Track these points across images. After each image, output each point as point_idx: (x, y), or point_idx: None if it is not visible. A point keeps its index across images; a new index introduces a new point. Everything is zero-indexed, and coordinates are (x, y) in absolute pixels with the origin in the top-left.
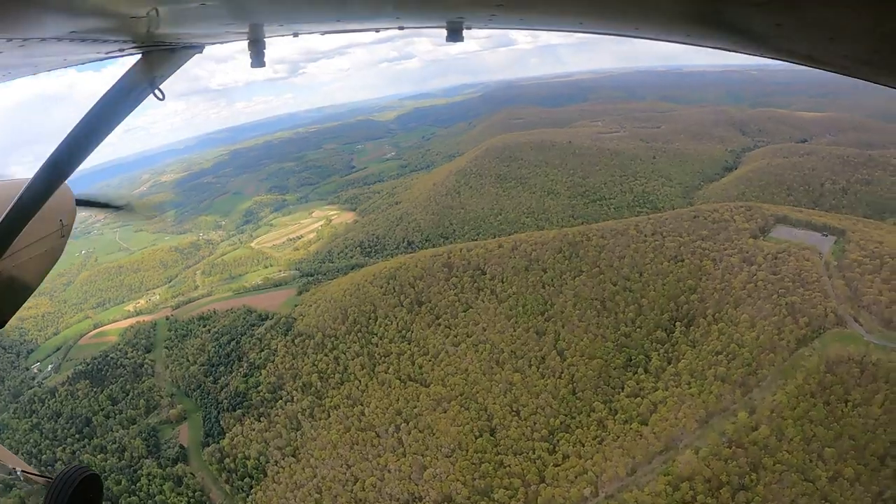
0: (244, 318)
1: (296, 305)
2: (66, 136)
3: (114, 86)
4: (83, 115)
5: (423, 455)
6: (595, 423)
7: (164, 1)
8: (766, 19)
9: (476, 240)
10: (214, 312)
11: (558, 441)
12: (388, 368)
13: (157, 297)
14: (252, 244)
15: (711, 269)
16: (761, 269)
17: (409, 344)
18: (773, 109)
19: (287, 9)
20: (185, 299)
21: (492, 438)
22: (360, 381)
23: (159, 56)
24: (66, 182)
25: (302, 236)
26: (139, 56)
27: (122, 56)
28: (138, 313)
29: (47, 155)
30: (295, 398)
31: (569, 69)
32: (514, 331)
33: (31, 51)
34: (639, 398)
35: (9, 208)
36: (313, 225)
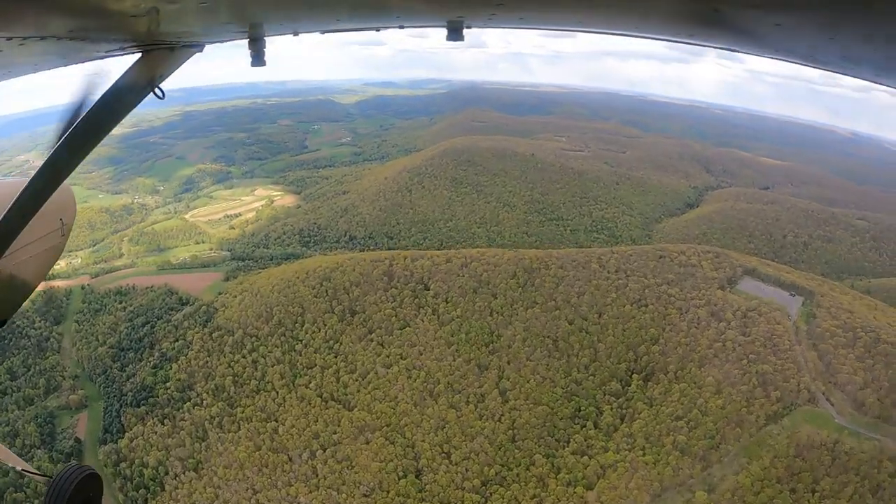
0: (163, 300)
1: (220, 293)
2: (66, 135)
3: (114, 85)
4: (83, 115)
5: (338, 490)
6: (534, 480)
7: (164, 1)
8: (765, 19)
9: (422, 246)
10: (133, 288)
11: (491, 495)
12: (310, 382)
13: (79, 260)
14: (187, 216)
15: (676, 320)
16: (730, 328)
17: (336, 357)
18: (736, 151)
19: (287, 8)
20: (106, 267)
21: (417, 482)
22: (277, 393)
23: (159, 55)
24: (66, 182)
25: (240, 214)
26: (139, 55)
27: (122, 55)
28: (53, 277)
29: (47, 155)
30: (205, 402)
31: (536, 80)
32: (454, 360)
33: (31, 50)
34: (586, 457)
35: (9, 208)
36: (254, 203)
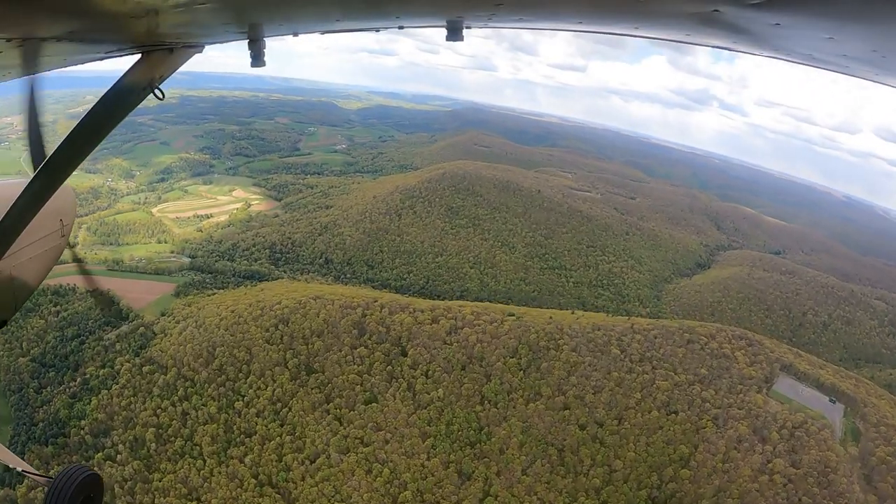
0: (102, 310)
1: (163, 314)
2: (65, 135)
3: (114, 86)
4: (83, 115)
5: None
6: None
7: (163, 1)
8: (765, 19)
9: (405, 281)
10: (73, 290)
11: None
12: (246, 456)
13: None
14: (155, 209)
15: (712, 435)
16: (777, 454)
17: (282, 427)
18: (742, 207)
19: (287, 9)
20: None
21: None
22: (204, 462)
23: (159, 56)
24: (66, 182)
25: (212, 215)
26: (139, 56)
27: (122, 56)
28: None
29: (47, 156)
30: (119, 456)
31: (541, 109)
32: (429, 459)
33: (31, 51)
34: None
35: (9, 208)
36: (229, 205)
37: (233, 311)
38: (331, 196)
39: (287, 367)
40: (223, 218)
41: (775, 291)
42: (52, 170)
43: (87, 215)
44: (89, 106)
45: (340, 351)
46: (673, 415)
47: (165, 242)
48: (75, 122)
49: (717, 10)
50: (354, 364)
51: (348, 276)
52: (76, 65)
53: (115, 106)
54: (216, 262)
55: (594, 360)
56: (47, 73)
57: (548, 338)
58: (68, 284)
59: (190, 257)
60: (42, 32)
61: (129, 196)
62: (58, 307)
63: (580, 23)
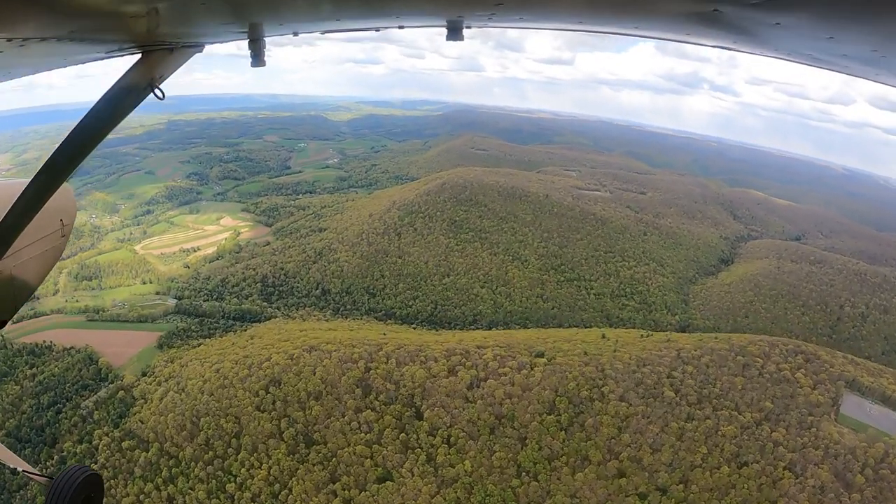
0: (80, 371)
1: (143, 373)
2: (65, 135)
3: (114, 85)
4: (83, 115)
5: None
6: None
7: (163, 1)
8: (765, 19)
9: (411, 309)
10: (51, 347)
11: None
12: None
13: None
14: (139, 246)
15: (792, 488)
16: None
17: None
18: (751, 191)
19: (287, 8)
20: (33, 310)
21: None
22: None
23: (159, 56)
24: (66, 182)
25: (199, 248)
26: (139, 56)
27: (122, 56)
28: None
29: (47, 155)
30: None
31: (531, 105)
32: None
33: (31, 51)
34: None
35: (9, 208)
36: (217, 236)
37: (217, 372)
38: (324, 217)
39: (283, 440)
40: (211, 250)
41: (808, 284)
42: (52, 170)
43: (70, 256)
44: (89, 106)
45: (343, 416)
46: (745, 467)
47: (150, 283)
48: (75, 123)
49: (717, 10)
50: (361, 432)
51: (348, 306)
52: (76, 65)
53: (115, 106)
54: (204, 301)
55: (647, 408)
56: (47, 72)
57: (589, 384)
58: (44, 342)
59: (176, 298)
60: (42, 32)
61: (113, 233)
62: (34, 369)
63: (580, 22)
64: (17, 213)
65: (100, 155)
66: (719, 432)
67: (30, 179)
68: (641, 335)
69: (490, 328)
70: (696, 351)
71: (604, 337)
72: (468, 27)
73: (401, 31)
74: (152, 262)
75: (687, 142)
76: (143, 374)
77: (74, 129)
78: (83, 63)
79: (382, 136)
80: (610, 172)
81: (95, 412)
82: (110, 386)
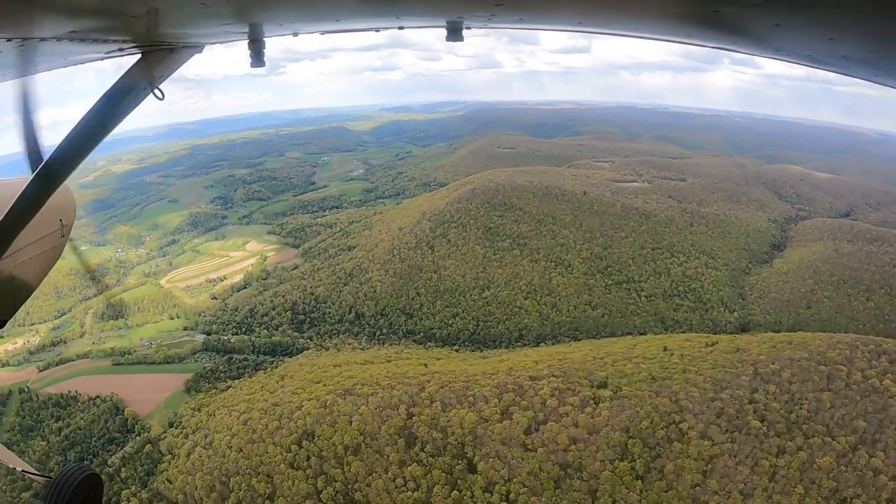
0: (106, 423)
1: (170, 424)
2: (65, 136)
3: (114, 86)
4: (83, 115)
5: None
6: None
7: (163, 1)
8: (765, 19)
9: (451, 329)
10: (76, 398)
11: None
12: None
13: (37, 339)
14: (164, 280)
15: None
16: None
17: None
18: (791, 167)
19: (287, 8)
20: (59, 355)
21: None
22: None
23: (159, 56)
24: (66, 182)
25: (225, 277)
26: (139, 56)
27: (122, 56)
28: (4, 364)
29: (47, 156)
30: None
31: (551, 97)
32: None
33: (31, 51)
34: None
35: (9, 208)
36: (243, 262)
37: (245, 424)
38: (352, 234)
39: (321, 501)
40: (238, 278)
41: (869, 266)
42: (52, 170)
43: (95, 297)
44: (89, 106)
45: (387, 472)
46: None
47: (177, 317)
48: (75, 122)
49: (717, 11)
50: (408, 489)
51: (384, 330)
52: (76, 65)
53: (115, 106)
54: (233, 336)
55: (732, 445)
56: (47, 72)
57: (664, 421)
58: (70, 392)
59: (204, 333)
60: (42, 32)
61: (139, 266)
62: (60, 422)
63: (580, 23)
64: (16, 213)
65: (122, 187)
66: (815, 465)
67: (30, 179)
68: (706, 343)
69: (538, 343)
70: (773, 364)
71: (665, 349)
72: (468, 28)
73: (413, 34)
74: (178, 296)
75: (713, 119)
76: (171, 426)
77: (74, 128)
78: (83, 63)
79: (406, 142)
80: (644, 160)
81: (122, 469)
82: (137, 439)
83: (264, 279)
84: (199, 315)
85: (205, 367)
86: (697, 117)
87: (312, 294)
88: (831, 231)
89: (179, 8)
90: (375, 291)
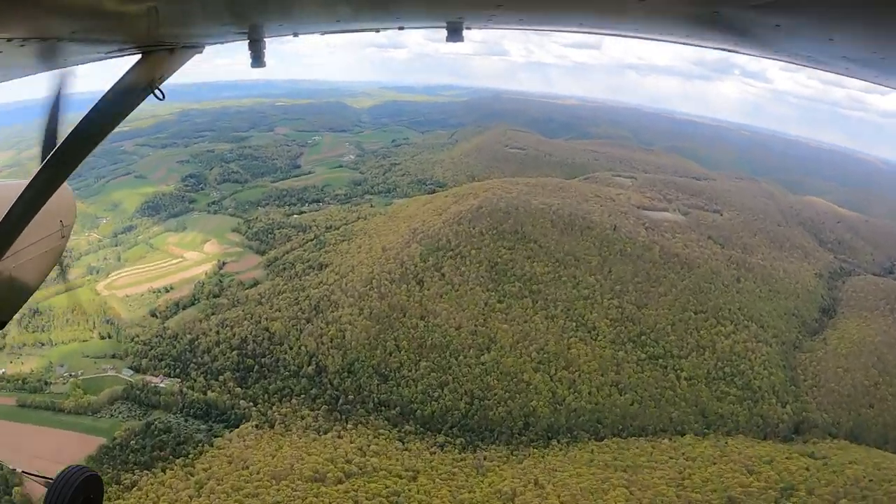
0: None
1: None
2: (65, 136)
3: (114, 86)
4: (83, 115)
5: None
6: None
7: (164, 1)
8: (765, 20)
9: (436, 412)
10: None
11: None
12: None
13: None
14: (101, 284)
15: None
16: None
17: None
18: (816, 199)
19: (287, 9)
20: None
21: None
22: None
23: (159, 56)
24: (66, 182)
25: (172, 287)
26: (139, 56)
27: (122, 56)
28: None
29: (47, 156)
30: None
31: (557, 91)
32: None
33: (31, 51)
34: None
35: (9, 208)
36: (197, 268)
37: None
38: (326, 247)
39: None
40: (186, 291)
41: None
42: (51, 170)
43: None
44: (89, 106)
45: None
46: None
47: (108, 337)
48: (75, 123)
49: (717, 12)
50: None
51: (351, 396)
52: (76, 65)
53: (115, 106)
54: (162, 380)
55: None
56: (47, 72)
57: None
58: None
59: (132, 369)
60: (43, 32)
61: (86, 256)
62: None
63: (580, 24)
64: (16, 214)
65: (95, 155)
66: None
67: (30, 179)
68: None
69: (549, 438)
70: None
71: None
72: (468, 28)
73: None
74: (114, 308)
75: (721, 131)
76: None
77: (74, 128)
78: (83, 63)
79: (404, 125)
80: (668, 180)
81: None
82: None
83: (216, 296)
84: (132, 340)
85: (113, 440)
86: (705, 127)
87: (267, 329)
88: (885, 295)
89: (179, 8)
90: (344, 337)
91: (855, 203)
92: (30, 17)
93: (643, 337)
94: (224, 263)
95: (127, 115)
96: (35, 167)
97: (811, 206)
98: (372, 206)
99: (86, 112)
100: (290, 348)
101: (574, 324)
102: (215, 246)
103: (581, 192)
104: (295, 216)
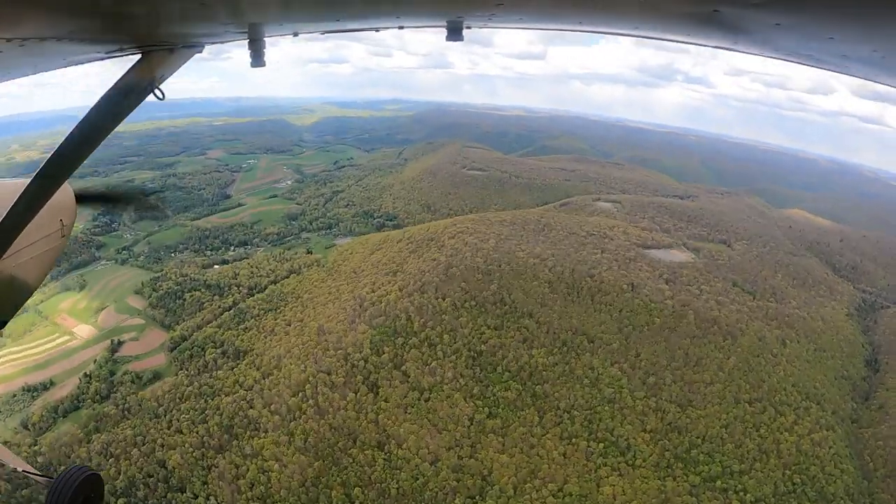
0: None
1: None
2: (65, 136)
3: (114, 86)
4: (83, 115)
5: None
6: None
7: (164, 1)
8: (765, 19)
9: None
10: None
11: None
12: None
13: None
14: None
15: None
16: None
17: None
18: (803, 214)
19: (287, 8)
20: None
21: None
22: None
23: (159, 56)
24: (66, 182)
25: (52, 382)
26: (139, 56)
27: (122, 56)
28: None
29: (47, 156)
30: None
31: (502, 102)
32: None
33: (31, 51)
34: None
35: (9, 208)
36: (87, 352)
37: None
38: (249, 323)
39: None
40: (69, 388)
41: None
42: (52, 170)
43: None
44: (89, 106)
45: None
46: None
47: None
48: (75, 123)
49: (717, 11)
50: None
51: None
52: (76, 65)
53: (115, 106)
54: None
55: None
56: (46, 72)
57: None
58: None
59: None
60: (42, 32)
61: None
62: None
63: (580, 23)
64: (17, 213)
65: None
66: None
67: (30, 179)
68: None
69: None
70: None
71: None
72: (468, 27)
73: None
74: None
75: (670, 137)
76: None
77: (74, 129)
78: (83, 63)
79: (348, 143)
80: (652, 202)
81: None
82: None
83: (103, 398)
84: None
85: None
86: (656, 134)
87: (164, 466)
88: None
89: (179, 8)
90: (270, 484)
91: (832, 210)
92: (29, 17)
93: (692, 451)
94: (120, 344)
95: (127, 115)
96: (36, 167)
97: (801, 222)
98: (309, 253)
99: (86, 112)
100: (195, 498)
101: (601, 445)
102: (111, 317)
103: (568, 228)
104: (215, 267)
